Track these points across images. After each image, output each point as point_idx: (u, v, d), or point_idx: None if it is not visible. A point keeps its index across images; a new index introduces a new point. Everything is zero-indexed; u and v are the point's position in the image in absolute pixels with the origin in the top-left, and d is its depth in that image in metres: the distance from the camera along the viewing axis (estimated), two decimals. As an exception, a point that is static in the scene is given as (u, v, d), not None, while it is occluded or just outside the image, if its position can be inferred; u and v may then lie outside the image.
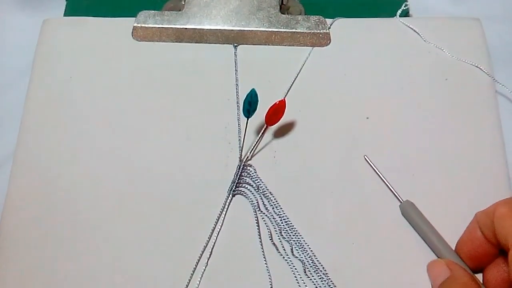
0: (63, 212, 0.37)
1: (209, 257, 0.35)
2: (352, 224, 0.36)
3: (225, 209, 0.37)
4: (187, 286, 0.34)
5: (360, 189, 0.37)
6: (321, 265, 0.35)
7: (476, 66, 0.41)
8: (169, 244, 0.36)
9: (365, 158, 0.38)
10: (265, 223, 0.36)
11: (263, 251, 0.35)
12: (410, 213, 0.36)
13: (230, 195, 0.37)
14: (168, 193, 0.37)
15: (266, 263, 0.35)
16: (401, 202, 0.36)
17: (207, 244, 0.36)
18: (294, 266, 0.35)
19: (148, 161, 0.38)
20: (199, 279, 0.35)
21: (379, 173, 0.37)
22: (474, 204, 0.35)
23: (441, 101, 0.40)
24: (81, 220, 0.36)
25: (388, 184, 0.37)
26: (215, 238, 0.36)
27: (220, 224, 0.36)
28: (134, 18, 0.43)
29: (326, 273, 0.35)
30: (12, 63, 0.45)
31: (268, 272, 0.35)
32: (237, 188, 0.37)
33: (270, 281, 0.35)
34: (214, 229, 0.36)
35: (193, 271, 0.35)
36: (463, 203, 0.37)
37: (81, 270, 0.35)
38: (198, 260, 0.35)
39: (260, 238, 0.36)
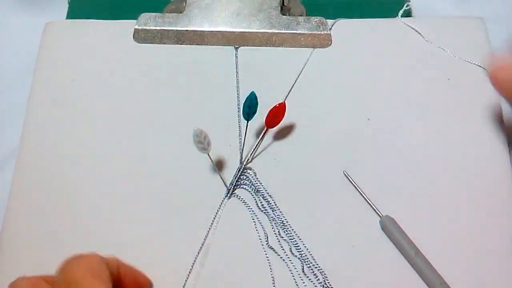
0: (66, 212, 0.37)
1: (204, 259, 0.35)
2: (353, 227, 0.36)
3: (219, 212, 0.37)
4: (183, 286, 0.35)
5: (362, 192, 0.37)
6: (319, 268, 0.35)
7: (480, 66, 0.41)
8: (167, 246, 0.36)
9: (344, 174, 0.37)
10: (262, 227, 0.36)
11: (258, 254, 0.35)
12: (390, 229, 0.35)
13: (226, 198, 0.37)
14: (168, 195, 0.37)
15: (262, 266, 0.35)
16: (380, 217, 0.36)
17: (201, 247, 0.36)
18: (294, 266, 0.35)
19: (148, 163, 0.38)
20: (194, 280, 0.35)
21: (358, 189, 0.37)
22: (480, 196, 0.36)
23: (444, 101, 0.40)
24: (82, 221, 0.37)
25: (368, 199, 0.36)
26: (209, 241, 0.36)
27: (215, 226, 0.36)
28: (135, 21, 0.43)
29: (325, 274, 0.35)
30: (14, 64, 0.45)
31: (264, 273, 0.35)
32: (234, 191, 0.37)
33: (271, 282, 0.35)
34: (208, 232, 0.36)
35: (189, 273, 0.35)
36: (466, 201, 0.37)
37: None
38: (194, 262, 0.35)
39: (256, 240, 0.36)
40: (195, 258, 0.36)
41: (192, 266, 0.35)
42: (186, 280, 0.35)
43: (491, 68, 0.33)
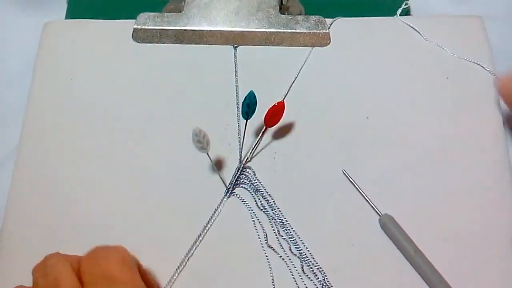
0: (65, 211, 0.37)
1: (204, 258, 0.36)
2: (352, 225, 0.36)
3: (218, 211, 0.37)
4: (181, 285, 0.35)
5: (361, 191, 0.37)
6: (319, 266, 0.35)
7: (478, 64, 0.41)
8: (167, 245, 0.36)
9: (343, 172, 0.37)
10: (261, 226, 0.36)
11: (258, 253, 0.36)
12: (389, 227, 0.35)
13: (226, 197, 0.37)
14: (168, 194, 0.37)
15: (261, 265, 0.35)
16: (380, 215, 0.36)
17: (200, 246, 0.36)
18: (293, 265, 0.35)
19: (147, 162, 0.38)
20: (193, 279, 0.35)
21: (358, 188, 0.37)
22: (479, 194, 0.36)
23: (443, 100, 0.40)
24: (81, 220, 0.37)
25: (367, 198, 0.37)
26: (208, 240, 0.36)
27: (214, 225, 0.36)
28: (134, 20, 0.43)
29: (324, 273, 0.35)
30: (13, 64, 0.45)
31: (263, 272, 0.35)
32: (233, 191, 0.37)
33: (271, 281, 0.35)
34: (208, 231, 0.36)
35: (188, 272, 0.35)
36: (465, 199, 0.37)
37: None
38: (191, 261, 0.35)
39: (255, 239, 0.36)
40: (193, 257, 0.36)
41: (189, 265, 0.35)
42: (186, 279, 0.35)
43: (500, 80, 0.36)
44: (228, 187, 0.37)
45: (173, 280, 0.35)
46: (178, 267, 0.35)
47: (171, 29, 0.42)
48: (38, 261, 0.35)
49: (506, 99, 0.38)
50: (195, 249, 0.36)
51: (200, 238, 0.36)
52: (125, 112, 0.40)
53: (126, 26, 0.43)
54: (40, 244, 0.36)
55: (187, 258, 0.36)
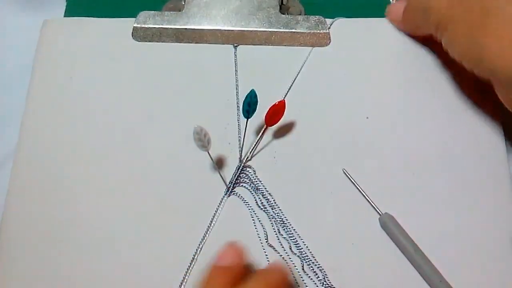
0: (64, 211, 0.37)
1: (199, 255, 0.36)
2: (352, 224, 0.36)
3: (219, 210, 0.37)
4: (180, 285, 0.35)
5: (361, 190, 0.37)
6: (319, 266, 0.35)
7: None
8: (167, 243, 0.36)
9: (343, 171, 0.37)
10: (262, 225, 0.36)
11: (258, 252, 0.36)
12: (389, 227, 0.36)
13: (226, 196, 0.37)
14: (168, 193, 0.37)
15: (261, 265, 0.35)
16: (380, 214, 0.36)
17: (200, 245, 0.36)
18: (294, 264, 0.35)
19: (147, 161, 0.38)
20: (193, 278, 0.35)
21: (358, 187, 0.37)
22: (478, 193, 0.37)
23: (442, 100, 0.40)
24: (81, 219, 0.37)
25: (367, 197, 0.37)
26: (208, 238, 0.36)
27: (214, 224, 0.36)
28: (134, 19, 0.43)
29: (324, 272, 0.35)
30: (12, 63, 0.45)
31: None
32: (233, 189, 0.37)
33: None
34: (208, 230, 0.36)
35: (188, 271, 0.35)
36: (465, 198, 0.37)
37: (81, 269, 0.35)
38: (193, 260, 0.35)
39: (255, 238, 0.36)
40: (194, 256, 0.35)
41: (191, 264, 0.35)
42: (185, 278, 0.35)
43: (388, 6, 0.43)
44: (229, 186, 0.37)
45: (185, 281, 0.35)
46: (189, 267, 0.35)
47: (171, 28, 0.42)
48: (38, 261, 0.35)
49: (395, 21, 0.42)
50: (201, 248, 0.36)
51: (205, 239, 0.36)
52: (125, 111, 0.40)
53: (126, 24, 0.43)
54: (39, 244, 0.36)
55: (195, 257, 0.35)
